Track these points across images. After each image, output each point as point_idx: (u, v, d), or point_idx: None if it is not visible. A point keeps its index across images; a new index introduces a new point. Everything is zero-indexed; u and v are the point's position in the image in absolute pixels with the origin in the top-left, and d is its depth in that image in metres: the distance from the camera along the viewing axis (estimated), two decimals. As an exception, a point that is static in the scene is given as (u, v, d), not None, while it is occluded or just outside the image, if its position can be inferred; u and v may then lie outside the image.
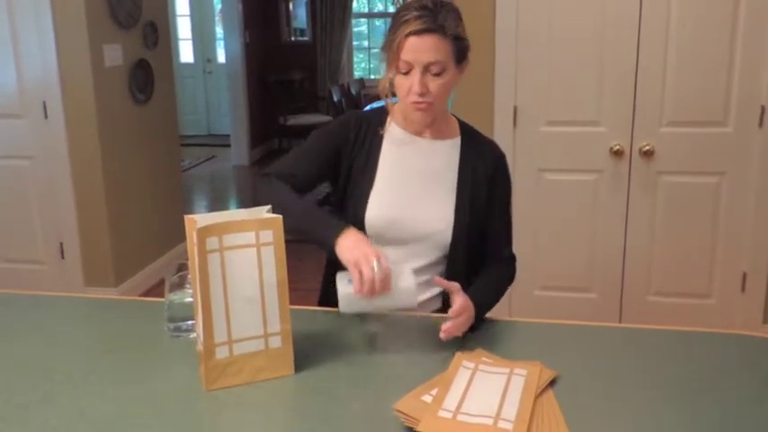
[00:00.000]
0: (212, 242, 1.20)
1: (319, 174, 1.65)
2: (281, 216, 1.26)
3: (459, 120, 1.69)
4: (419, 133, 1.63)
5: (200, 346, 1.26)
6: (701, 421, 1.14)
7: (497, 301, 1.59)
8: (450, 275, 1.58)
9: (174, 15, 8.72)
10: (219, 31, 8.77)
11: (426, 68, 1.47)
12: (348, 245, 1.39)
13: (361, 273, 1.31)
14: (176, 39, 8.86)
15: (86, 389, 1.25)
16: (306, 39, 8.43)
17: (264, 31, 7.95)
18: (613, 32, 2.89)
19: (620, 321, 3.13)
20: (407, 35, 1.46)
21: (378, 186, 1.59)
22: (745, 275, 3.06)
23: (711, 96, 2.89)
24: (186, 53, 9.24)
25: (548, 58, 2.96)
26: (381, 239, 1.56)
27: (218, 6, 8.88)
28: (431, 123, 1.61)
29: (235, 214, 1.28)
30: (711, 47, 2.84)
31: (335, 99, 7.19)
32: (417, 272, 1.57)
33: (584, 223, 3.09)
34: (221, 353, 1.24)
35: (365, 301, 1.32)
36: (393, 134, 1.64)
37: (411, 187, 1.60)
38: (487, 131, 3.00)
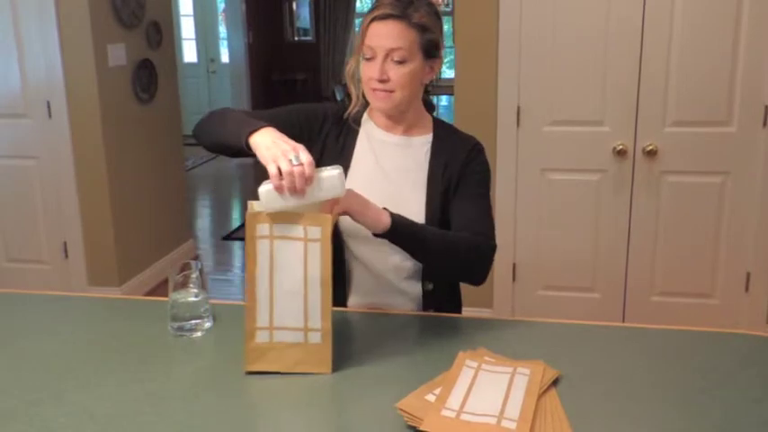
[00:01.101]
0: (262, 228, 1.24)
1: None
2: (329, 215, 1.26)
3: (434, 118, 1.66)
4: (390, 129, 1.61)
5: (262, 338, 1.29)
6: (704, 421, 1.14)
7: (432, 234, 1.46)
8: (427, 272, 1.58)
9: (178, 15, 8.72)
10: (223, 30, 8.77)
11: (388, 55, 1.47)
12: (265, 142, 1.30)
13: (279, 168, 1.24)
14: (180, 38, 8.86)
15: (90, 388, 1.26)
16: (309, 38, 8.44)
17: (268, 30, 7.96)
18: (617, 32, 2.89)
19: (623, 321, 3.13)
20: (372, 20, 1.48)
21: (350, 183, 1.53)
22: (748, 275, 3.05)
23: (715, 96, 2.88)
24: (190, 53, 9.24)
25: (551, 57, 2.96)
26: (356, 236, 1.53)
27: (221, 6, 8.89)
28: (399, 118, 1.58)
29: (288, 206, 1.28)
30: (715, 46, 2.84)
31: (339, 99, 7.19)
32: (396, 269, 1.57)
33: (587, 223, 3.09)
34: (262, 337, 1.27)
35: (288, 196, 1.25)
36: (367, 130, 1.62)
37: (383, 183, 1.57)
38: (491, 131, 3.03)
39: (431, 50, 1.52)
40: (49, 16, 3.41)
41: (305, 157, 1.25)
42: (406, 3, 1.48)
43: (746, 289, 3.06)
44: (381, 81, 1.48)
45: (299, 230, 1.25)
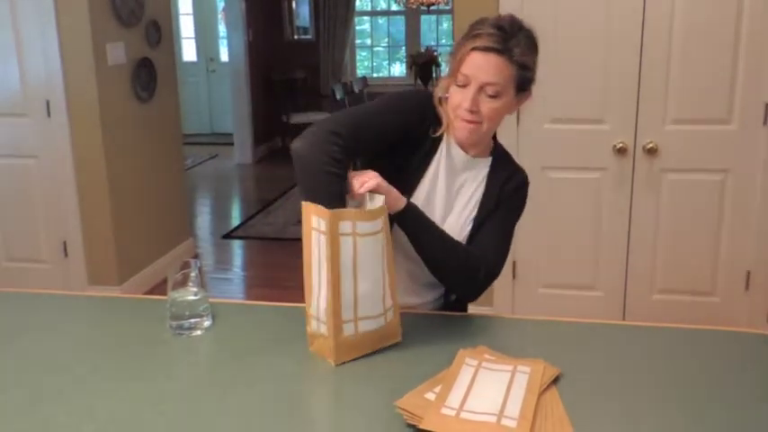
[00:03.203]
0: (345, 226, 1.29)
1: (375, 152, 1.52)
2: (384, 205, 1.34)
3: (495, 141, 1.63)
4: (465, 149, 1.56)
5: (314, 326, 1.35)
6: (704, 419, 1.14)
7: (440, 236, 1.48)
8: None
9: (177, 14, 8.72)
10: (222, 29, 8.77)
11: (482, 88, 1.43)
12: None
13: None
14: (179, 37, 8.86)
15: (90, 386, 1.26)
16: (309, 37, 8.43)
17: (267, 29, 7.95)
18: (617, 30, 2.89)
19: (623, 319, 3.13)
20: (472, 49, 1.43)
21: (417, 193, 1.53)
22: (749, 273, 3.05)
23: (715, 94, 2.88)
24: (189, 52, 9.24)
25: (551, 55, 2.94)
26: (400, 243, 1.51)
27: (220, 5, 8.88)
28: (474, 144, 1.55)
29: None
30: (715, 44, 2.84)
31: (338, 97, 7.18)
32: (409, 275, 1.56)
33: (587, 221, 3.09)
34: (348, 330, 1.31)
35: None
36: (443, 142, 1.56)
37: (439, 199, 1.56)
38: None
39: (525, 86, 1.48)
40: (48, 15, 3.41)
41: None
42: (508, 35, 1.43)
43: (747, 287, 3.06)
44: (471, 111, 1.45)
45: (378, 224, 1.32)
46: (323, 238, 1.29)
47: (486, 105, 1.45)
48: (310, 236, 1.33)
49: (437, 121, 1.54)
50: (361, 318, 1.32)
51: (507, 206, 1.58)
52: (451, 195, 1.57)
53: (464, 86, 1.44)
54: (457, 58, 1.45)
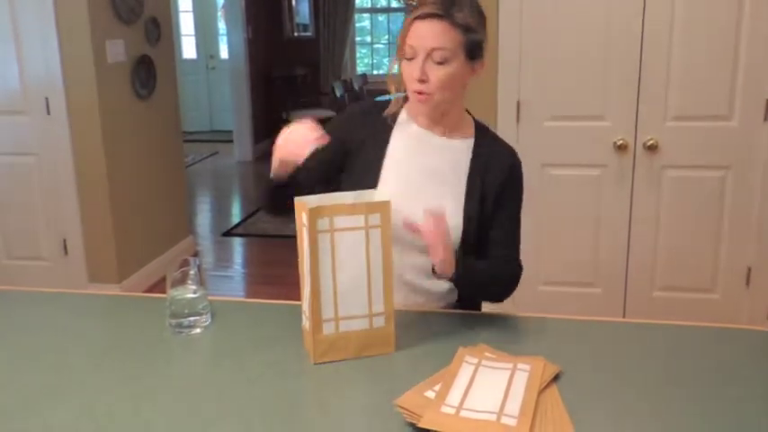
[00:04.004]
0: (323, 223, 1.26)
1: (325, 178, 1.57)
2: (389, 200, 1.31)
3: (476, 121, 1.63)
4: (431, 128, 1.57)
5: (305, 323, 1.33)
6: (705, 416, 1.14)
7: (487, 276, 1.55)
8: None
9: (177, 11, 8.71)
10: (222, 26, 8.76)
11: (429, 55, 1.44)
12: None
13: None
14: (179, 34, 8.85)
15: (90, 384, 1.25)
16: (308, 34, 8.42)
17: (267, 26, 7.94)
18: (617, 26, 2.88)
19: (624, 316, 3.12)
20: (414, 19, 1.45)
21: (383, 184, 1.53)
22: (749, 270, 3.04)
23: (716, 90, 2.87)
24: (189, 49, 9.23)
25: (551, 52, 2.95)
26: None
27: (220, 2, 8.87)
28: (440, 118, 1.56)
29: (342, 197, 1.34)
30: (716, 40, 2.83)
31: (338, 94, 7.18)
32: (413, 268, 1.55)
33: (588, 218, 3.08)
34: (328, 329, 1.29)
35: None
36: (403, 126, 1.59)
37: (419, 181, 1.55)
38: (491, 126, 3.01)
39: (474, 51, 1.48)
40: (47, 12, 3.40)
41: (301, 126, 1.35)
42: (449, 2, 1.44)
43: (747, 283, 3.06)
44: (421, 81, 1.45)
45: (359, 220, 1.28)
46: (305, 234, 1.29)
47: (435, 73, 1.45)
48: (301, 232, 1.33)
49: (378, 112, 1.61)
50: (343, 317, 1.30)
51: (514, 199, 1.60)
52: (431, 176, 1.56)
53: (412, 59, 1.46)
54: (403, 34, 1.47)
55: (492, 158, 1.58)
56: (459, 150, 1.58)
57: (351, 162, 1.59)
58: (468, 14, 1.45)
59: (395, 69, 1.53)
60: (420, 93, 1.47)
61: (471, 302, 1.66)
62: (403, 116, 1.61)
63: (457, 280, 1.47)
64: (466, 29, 1.44)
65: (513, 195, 1.60)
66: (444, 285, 1.56)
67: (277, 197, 1.50)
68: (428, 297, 1.58)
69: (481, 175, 1.56)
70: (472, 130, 1.61)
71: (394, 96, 1.61)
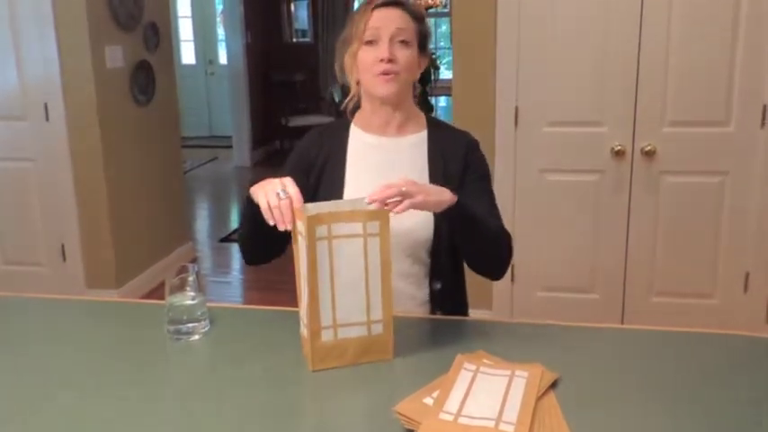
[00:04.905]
0: (321, 230, 1.25)
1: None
2: (388, 209, 1.30)
3: (427, 115, 1.66)
4: (383, 131, 1.60)
5: (303, 330, 1.33)
6: (703, 422, 1.14)
7: (484, 219, 1.48)
8: (435, 272, 1.58)
9: (176, 17, 8.72)
10: (221, 32, 8.78)
11: (393, 37, 1.49)
12: (260, 184, 1.36)
13: (268, 203, 1.30)
14: (178, 40, 8.87)
15: (87, 391, 1.25)
16: (307, 40, 8.44)
17: (266, 32, 7.95)
18: (615, 32, 2.89)
19: (622, 322, 3.13)
20: (373, 9, 1.51)
21: (348, 194, 1.55)
22: (747, 275, 3.05)
23: (713, 96, 2.88)
24: (188, 54, 9.24)
25: (549, 58, 2.96)
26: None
27: (219, 8, 8.88)
28: (393, 111, 1.57)
29: (340, 205, 1.34)
30: (713, 46, 2.84)
31: (337, 100, 7.18)
32: (400, 275, 1.54)
33: (586, 224, 3.09)
34: (326, 336, 1.29)
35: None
36: (356, 138, 1.62)
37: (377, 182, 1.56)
38: (489, 132, 3.02)
39: (424, 42, 1.56)
40: (46, 18, 3.41)
41: (292, 189, 1.30)
42: None
43: (745, 289, 3.06)
44: (389, 61, 1.48)
45: (358, 227, 1.28)
46: (302, 242, 1.29)
47: (401, 53, 1.50)
48: (297, 240, 1.33)
49: (338, 131, 1.63)
50: (341, 324, 1.30)
51: (476, 175, 1.60)
52: (393, 177, 1.50)
53: (374, 42, 1.50)
54: (359, 24, 1.51)
55: (447, 146, 1.61)
56: (415, 145, 1.61)
57: (317, 182, 1.61)
58: (415, 6, 1.56)
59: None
60: (386, 73, 1.49)
61: (457, 307, 1.66)
62: (354, 129, 1.63)
63: (460, 199, 1.40)
64: (418, 19, 1.54)
65: (479, 172, 1.61)
66: (427, 290, 1.58)
67: (255, 244, 1.54)
68: (413, 302, 1.59)
69: (441, 164, 1.58)
70: (424, 124, 1.64)
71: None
